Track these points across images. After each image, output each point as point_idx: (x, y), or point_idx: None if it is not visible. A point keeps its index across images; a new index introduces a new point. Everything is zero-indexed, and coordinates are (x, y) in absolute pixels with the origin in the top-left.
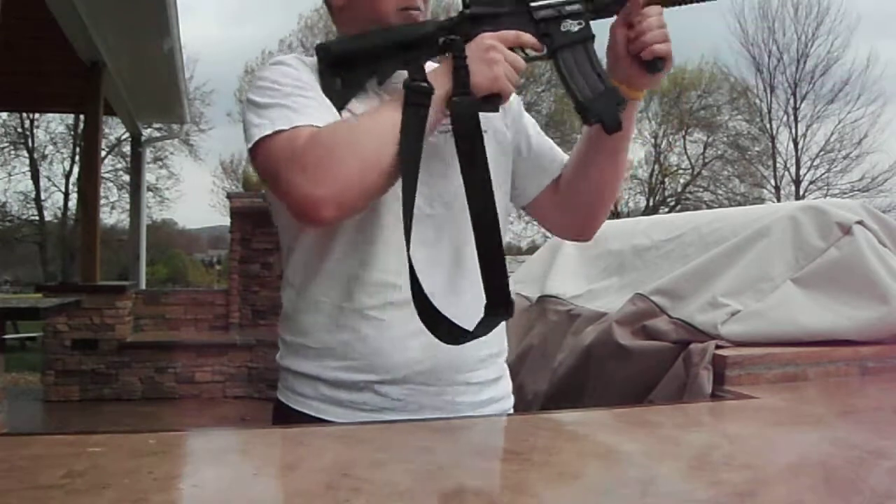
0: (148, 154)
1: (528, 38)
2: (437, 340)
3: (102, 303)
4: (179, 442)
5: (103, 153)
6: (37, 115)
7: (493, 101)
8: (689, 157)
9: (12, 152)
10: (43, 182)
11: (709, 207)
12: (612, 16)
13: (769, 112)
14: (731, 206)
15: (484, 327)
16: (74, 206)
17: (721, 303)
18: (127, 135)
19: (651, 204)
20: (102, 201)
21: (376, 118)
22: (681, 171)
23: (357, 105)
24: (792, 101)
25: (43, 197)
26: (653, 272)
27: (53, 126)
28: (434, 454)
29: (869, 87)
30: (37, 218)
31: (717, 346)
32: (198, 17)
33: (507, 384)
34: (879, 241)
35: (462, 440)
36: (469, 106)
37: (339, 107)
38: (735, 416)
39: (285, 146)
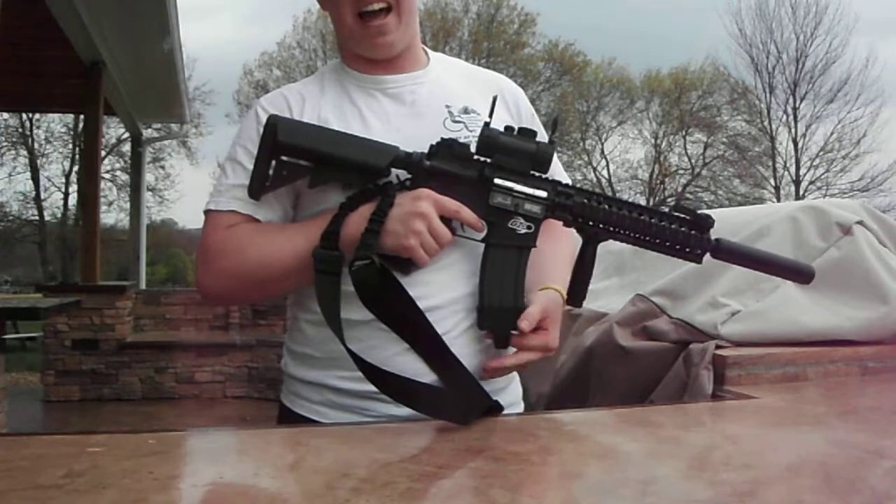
0: (147, 154)
1: (468, 215)
2: None
3: (102, 303)
4: (179, 442)
5: (103, 153)
6: (37, 115)
7: (403, 264)
8: (689, 158)
9: (12, 152)
10: (43, 182)
11: (709, 208)
12: (569, 227)
13: (769, 112)
14: (731, 206)
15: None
16: (74, 206)
17: (721, 303)
18: (127, 135)
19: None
20: (102, 201)
21: (284, 250)
22: (681, 172)
23: (350, 106)
24: (791, 101)
25: (43, 197)
26: (653, 272)
27: (53, 126)
28: (434, 454)
29: (868, 87)
30: (37, 218)
31: (717, 346)
32: (212, 19)
33: (515, 390)
34: (879, 241)
35: (462, 440)
36: (369, 276)
37: (265, 191)
38: (735, 416)
39: (213, 228)
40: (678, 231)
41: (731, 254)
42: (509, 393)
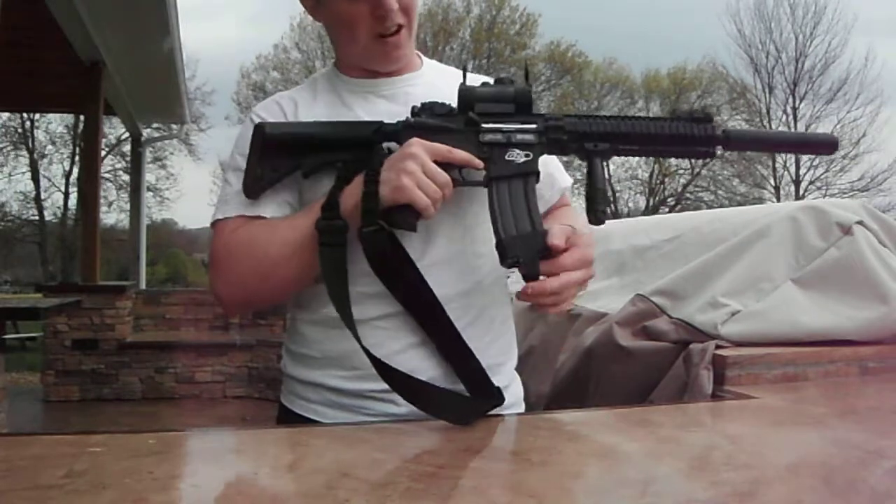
0: (148, 154)
1: (460, 154)
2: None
3: (102, 303)
4: (179, 442)
5: (103, 153)
6: (37, 115)
7: (406, 215)
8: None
9: (12, 152)
10: (43, 182)
11: (709, 207)
12: (566, 154)
13: (768, 112)
14: (731, 206)
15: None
16: (74, 206)
17: (721, 303)
18: (127, 135)
19: (651, 204)
20: (102, 201)
21: (287, 233)
22: (681, 171)
23: (344, 108)
24: (791, 100)
25: (43, 197)
26: (653, 272)
27: (53, 126)
28: (434, 454)
29: (867, 87)
30: (37, 218)
31: (717, 346)
32: (214, 20)
33: (516, 391)
34: (879, 241)
35: (462, 440)
36: (380, 240)
37: (261, 189)
38: (735, 416)
39: (220, 234)
40: (681, 126)
41: (745, 140)
42: (511, 393)
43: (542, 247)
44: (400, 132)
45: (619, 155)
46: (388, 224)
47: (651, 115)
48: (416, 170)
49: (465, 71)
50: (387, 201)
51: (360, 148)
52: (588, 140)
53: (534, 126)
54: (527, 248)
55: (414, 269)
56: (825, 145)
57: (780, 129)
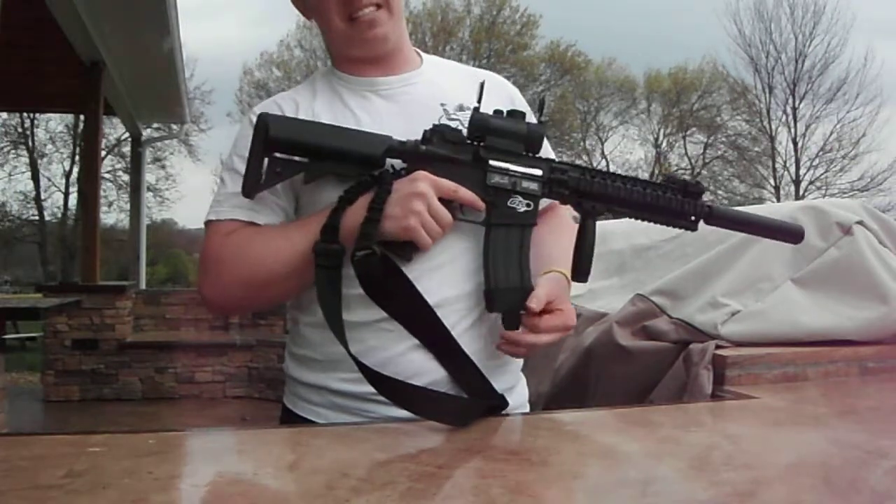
0: (147, 154)
1: (466, 194)
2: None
3: (102, 303)
4: (179, 442)
5: (103, 153)
6: (37, 115)
7: (407, 250)
8: (689, 158)
9: (12, 152)
10: (43, 182)
11: None
12: (566, 203)
13: (768, 112)
14: (731, 206)
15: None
16: (74, 206)
17: (721, 303)
18: (127, 135)
19: None
20: (102, 201)
21: (283, 248)
22: (681, 172)
23: (342, 108)
24: (791, 100)
25: (43, 197)
26: (653, 272)
27: (53, 126)
28: (434, 454)
29: (867, 86)
30: (37, 218)
31: (717, 346)
32: (214, 20)
33: (522, 393)
34: (879, 241)
35: (462, 440)
36: (372, 265)
37: (259, 189)
38: (735, 416)
39: (212, 237)
40: (672, 199)
41: (724, 219)
42: (517, 394)
43: (525, 303)
44: (409, 156)
45: (611, 213)
46: (385, 250)
47: (652, 114)
48: (422, 210)
49: (482, 87)
50: (390, 236)
51: (368, 164)
52: (588, 199)
53: (539, 173)
54: (511, 303)
55: (407, 283)
56: (793, 235)
57: (779, 129)
